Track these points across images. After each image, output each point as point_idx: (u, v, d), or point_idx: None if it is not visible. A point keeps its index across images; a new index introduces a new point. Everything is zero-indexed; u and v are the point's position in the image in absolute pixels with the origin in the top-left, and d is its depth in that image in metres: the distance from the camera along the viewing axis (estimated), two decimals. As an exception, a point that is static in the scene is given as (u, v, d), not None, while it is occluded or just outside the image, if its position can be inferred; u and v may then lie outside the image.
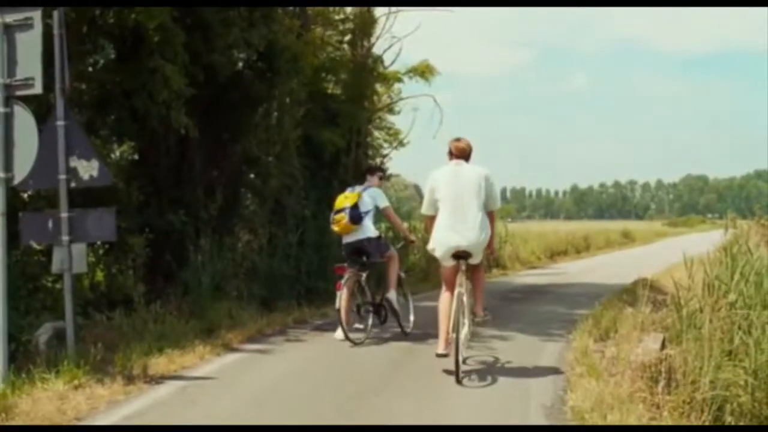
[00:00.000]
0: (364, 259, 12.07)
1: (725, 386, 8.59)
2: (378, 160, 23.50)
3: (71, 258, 9.62)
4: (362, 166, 20.08)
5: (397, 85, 23.27)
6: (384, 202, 12.35)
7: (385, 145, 24.18)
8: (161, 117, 13.11)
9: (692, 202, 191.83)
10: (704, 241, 18.19)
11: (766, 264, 11.00)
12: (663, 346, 9.06)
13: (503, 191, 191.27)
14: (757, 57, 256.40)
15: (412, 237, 14.03)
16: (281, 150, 16.94)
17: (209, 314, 13.06)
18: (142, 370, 9.53)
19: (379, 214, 12.92)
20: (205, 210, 14.85)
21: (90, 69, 13.87)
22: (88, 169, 9.66)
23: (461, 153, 9.95)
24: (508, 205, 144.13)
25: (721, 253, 11.97)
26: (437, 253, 9.73)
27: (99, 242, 12.82)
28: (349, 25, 21.47)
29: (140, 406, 8.35)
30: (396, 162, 26.64)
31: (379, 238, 12.30)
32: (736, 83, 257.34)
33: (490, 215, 9.76)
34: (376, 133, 23.85)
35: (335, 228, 12.08)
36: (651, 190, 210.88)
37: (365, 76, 20.88)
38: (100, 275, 13.86)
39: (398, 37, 21.54)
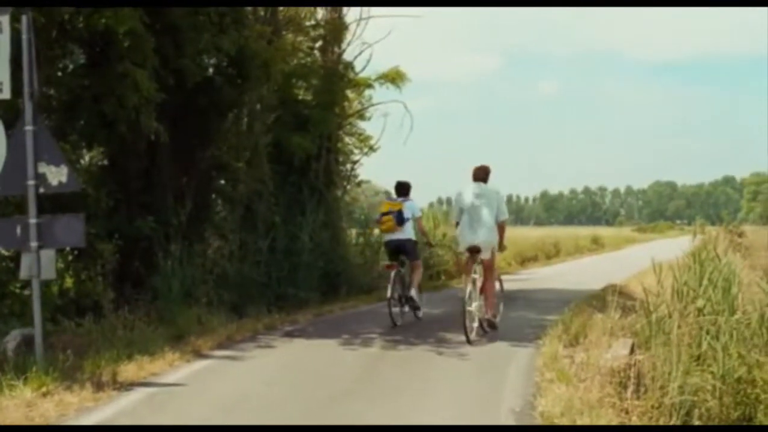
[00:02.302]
0: (401, 257, 14.64)
1: (693, 391, 8.64)
2: (348, 166, 23.54)
3: (40, 264, 9.57)
4: (332, 172, 20.20)
5: (367, 91, 23.35)
6: (418, 213, 15.25)
7: (356, 150, 24.24)
8: (131, 122, 13.06)
9: (661, 208, 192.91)
10: (673, 247, 18.28)
11: (733, 270, 11.10)
12: (632, 352, 9.11)
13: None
14: (725, 65, 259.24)
15: (433, 242, 18.03)
16: (251, 156, 16.93)
17: (179, 320, 13.02)
18: (112, 377, 9.48)
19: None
20: (175, 216, 14.80)
21: (59, 74, 13.79)
22: (56, 175, 9.61)
23: (480, 176, 13.02)
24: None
25: (690, 259, 12.05)
26: (460, 248, 13.13)
27: (68, 248, 12.76)
28: (320, 32, 21.49)
29: (109, 413, 8.30)
30: (367, 168, 26.74)
31: (415, 242, 14.95)
32: (704, 90, 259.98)
33: (502, 225, 12.98)
34: (347, 139, 23.88)
35: (381, 228, 14.98)
36: (620, 196, 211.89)
37: (336, 82, 20.88)
38: (69, 281, 13.78)
39: (369, 43, 21.62)
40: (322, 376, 10.39)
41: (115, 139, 13.66)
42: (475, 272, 12.70)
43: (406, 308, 14.75)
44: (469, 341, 12.22)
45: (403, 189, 15.06)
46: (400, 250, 14.62)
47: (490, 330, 13.12)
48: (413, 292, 14.70)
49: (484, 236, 12.70)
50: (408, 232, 14.58)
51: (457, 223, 13.05)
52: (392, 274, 14.40)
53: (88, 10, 12.68)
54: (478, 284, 12.68)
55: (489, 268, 12.94)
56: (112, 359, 10.11)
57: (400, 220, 14.40)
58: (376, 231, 19.87)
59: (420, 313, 15.11)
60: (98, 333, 11.46)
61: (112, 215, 13.93)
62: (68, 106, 13.53)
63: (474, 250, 12.68)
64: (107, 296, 12.66)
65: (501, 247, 13.23)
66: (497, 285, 13.93)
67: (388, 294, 14.37)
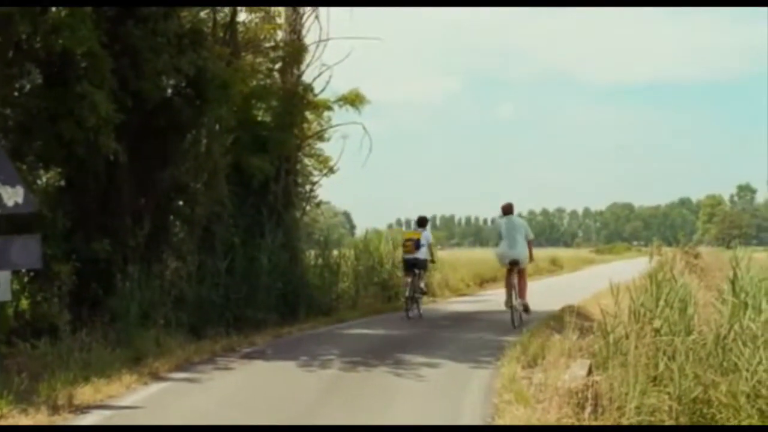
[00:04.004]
0: (415, 270, 19.75)
1: (650, 411, 8.69)
2: (307, 188, 23.54)
3: (-5, 286, 9.47)
4: (291, 194, 20.23)
5: (327, 113, 23.36)
6: (430, 240, 20.70)
7: (315, 172, 24.29)
8: (89, 143, 12.99)
9: (618, 229, 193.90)
10: (630, 268, 18.43)
11: (689, 291, 11.19)
12: (589, 373, 9.15)
13: (432, 219, 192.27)
14: (682, 88, 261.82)
15: (434, 259, 22.49)
16: (210, 177, 16.85)
17: (136, 342, 12.93)
18: (68, 400, 9.41)
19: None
20: (133, 237, 14.70)
21: (16, 94, 13.71)
22: (12, 196, 9.55)
23: (508, 210, 17.99)
24: (437, 232, 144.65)
25: (647, 280, 12.14)
26: (503, 262, 17.91)
27: (24, 269, 12.63)
28: (280, 53, 21.50)
29: (65, 437, 8.23)
30: (326, 189, 26.73)
31: (425, 260, 20.17)
32: (662, 114, 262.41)
33: (530, 243, 17.79)
34: (306, 161, 23.91)
35: (404, 249, 20.11)
36: (578, 217, 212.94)
37: (295, 103, 20.88)
38: (24, 303, 13.65)
39: (328, 65, 21.64)
40: (280, 399, 10.37)
41: (72, 160, 13.58)
42: (514, 278, 17.44)
43: (415, 310, 19.67)
44: (514, 326, 16.74)
45: (422, 222, 20.52)
46: (414, 265, 19.76)
47: (526, 314, 17.42)
48: (422, 285, 20.35)
49: (519, 253, 17.47)
50: (422, 253, 19.83)
51: (496, 244, 18.19)
52: (408, 280, 19.83)
53: (46, 30, 12.63)
54: (517, 287, 17.37)
55: (523, 273, 17.80)
56: (69, 382, 10.03)
57: (417, 245, 19.70)
58: (335, 252, 22.78)
59: (420, 313, 19.88)
60: (54, 355, 11.35)
61: (69, 236, 13.82)
62: (25, 126, 13.45)
63: (514, 263, 17.46)
64: (64, 318, 12.53)
65: (531, 257, 18.07)
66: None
67: (406, 294, 19.90)
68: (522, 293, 17.60)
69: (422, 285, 20.39)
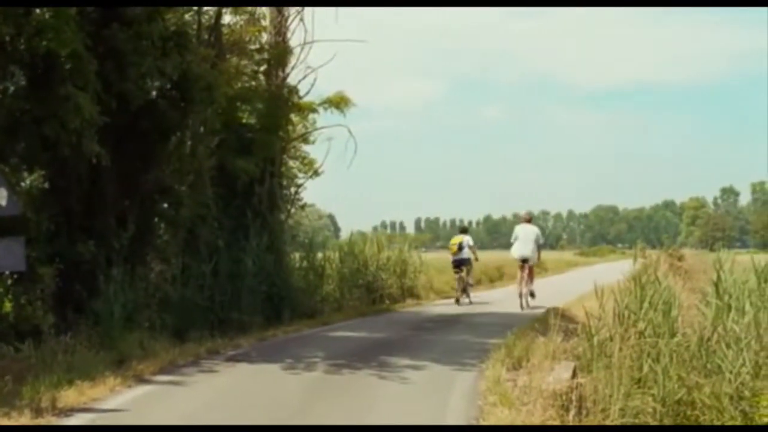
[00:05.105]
0: (462, 267, 24.43)
1: (634, 414, 8.72)
2: (292, 190, 23.51)
3: (-22, 288, 9.45)
4: (276, 196, 20.19)
5: (312, 116, 23.34)
6: (471, 244, 24.97)
7: (300, 174, 24.23)
8: (72, 145, 12.95)
9: (603, 232, 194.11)
10: (614, 270, 18.44)
11: (673, 293, 11.23)
12: (574, 375, 9.17)
13: (417, 221, 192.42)
14: (665, 91, 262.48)
15: (477, 258, 26.08)
16: (194, 179, 16.82)
17: (120, 345, 12.90)
18: (51, 403, 9.38)
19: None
20: (117, 239, 14.66)
21: (-1, 96, 13.66)
22: (-4, 198, 9.51)
23: (527, 219, 23.52)
24: (422, 235, 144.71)
25: (631, 282, 12.17)
26: (516, 258, 22.37)
27: (7, 272, 12.58)
28: (264, 55, 21.47)
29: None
30: (311, 191, 26.71)
31: (468, 259, 24.58)
32: (645, 116, 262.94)
33: (539, 246, 22.56)
34: (291, 163, 23.86)
35: (452, 251, 24.68)
36: (563, 220, 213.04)
37: (280, 106, 20.85)
38: (7, 306, 13.56)
39: (313, 67, 21.61)
40: (265, 401, 10.37)
41: (56, 162, 13.55)
42: (524, 271, 22.08)
43: (466, 299, 24.41)
44: (522, 309, 21.30)
45: (464, 230, 27.01)
46: (461, 264, 24.41)
47: (532, 298, 22.02)
48: (469, 279, 25.18)
49: (529, 253, 22.11)
50: (465, 254, 24.43)
51: (511, 245, 22.75)
52: (458, 276, 24.62)
53: (30, 32, 12.59)
54: (526, 278, 22.07)
55: (531, 269, 22.40)
56: (52, 385, 10.01)
57: (461, 248, 24.37)
58: (320, 255, 23.30)
59: (470, 301, 24.54)
60: (38, 358, 11.33)
61: (53, 239, 13.78)
62: (8, 128, 13.38)
63: (524, 260, 22.00)
64: (47, 321, 12.50)
65: (539, 258, 23.56)
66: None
67: (457, 287, 24.82)
68: (531, 281, 22.44)
69: (469, 279, 25.18)
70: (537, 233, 22.60)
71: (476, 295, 26.93)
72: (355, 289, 23.50)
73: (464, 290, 24.52)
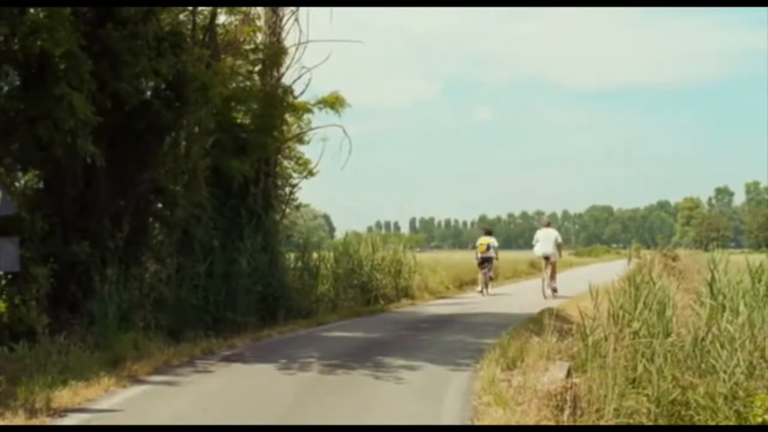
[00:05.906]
0: (486, 264, 27.80)
1: (629, 414, 8.74)
2: (287, 190, 23.50)
3: (-28, 289, 9.44)
4: (271, 196, 20.17)
5: (306, 116, 23.31)
6: (496, 245, 28.59)
7: (295, 174, 24.23)
8: (67, 145, 12.94)
9: (597, 232, 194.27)
10: (609, 270, 18.45)
11: (668, 293, 11.25)
12: (569, 375, 9.19)
13: (412, 221, 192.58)
14: (660, 92, 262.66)
15: (498, 257, 29.33)
16: (189, 179, 16.80)
17: (115, 345, 12.88)
18: (45, 403, 9.37)
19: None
20: (112, 240, 14.64)
21: (-6, 96, 13.63)
22: (-10, 199, 9.49)
23: (546, 224, 28.85)
24: (416, 235, 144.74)
25: (626, 282, 12.19)
26: (539, 255, 26.15)
27: (1, 272, 12.57)
28: (259, 55, 21.44)
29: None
30: (305, 192, 26.64)
31: (492, 258, 28.01)
32: (640, 117, 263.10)
33: (559, 245, 26.16)
34: (286, 163, 23.84)
35: (479, 250, 28.06)
36: (557, 220, 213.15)
37: (275, 106, 20.82)
38: (2, 306, 13.56)
39: (308, 67, 21.60)
40: (259, 401, 10.36)
41: (50, 163, 13.53)
42: (547, 268, 25.53)
43: (489, 290, 27.82)
44: (545, 298, 23.76)
45: (489, 232, 30.05)
46: (486, 261, 27.80)
47: (554, 292, 24.81)
48: (491, 274, 28.40)
49: (550, 250, 25.56)
50: (491, 253, 27.90)
51: (533, 246, 26.83)
52: (481, 272, 27.84)
53: (24, 32, 12.57)
54: (549, 273, 25.34)
55: (554, 265, 25.84)
56: (46, 385, 10.00)
57: (487, 248, 27.78)
58: (315, 255, 22.93)
59: (491, 290, 28.09)
60: (32, 358, 11.31)
61: (47, 239, 13.76)
62: (3, 128, 13.36)
63: (546, 257, 25.58)
64: (41, 321, 12.48)
65: (560, 255, 27.16)
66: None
67: (479, 280, 27.93)
68: (553, 277, 25.70)
69: (491, 274, 28.63)
70: (556, 235, 26.54)
71: (470, 295, 27.13)
72: (350, 289, 23.47)
73: (485, 283, 27.92)
